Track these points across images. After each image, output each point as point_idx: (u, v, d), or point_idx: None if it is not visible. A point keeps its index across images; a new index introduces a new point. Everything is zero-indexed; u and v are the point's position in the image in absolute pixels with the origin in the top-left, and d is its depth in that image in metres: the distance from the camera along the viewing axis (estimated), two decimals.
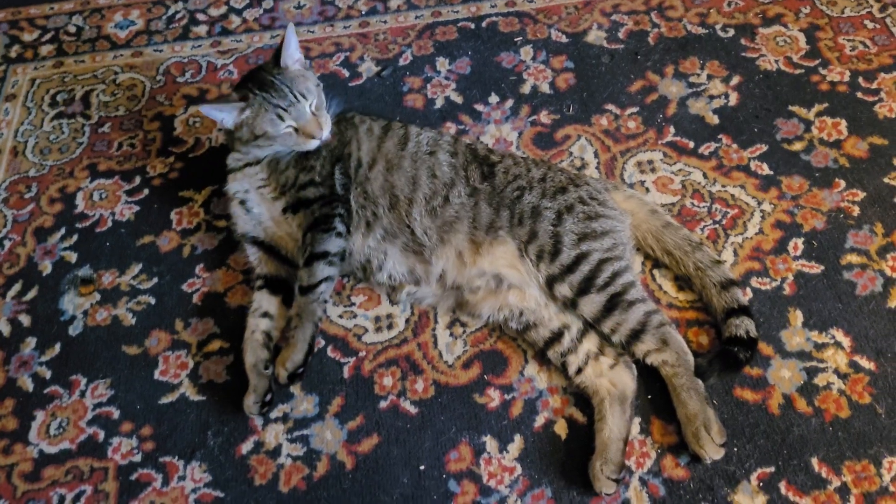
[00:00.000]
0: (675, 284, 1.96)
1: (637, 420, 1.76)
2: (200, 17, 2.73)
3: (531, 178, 1.95)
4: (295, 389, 1.86)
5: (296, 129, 1.87)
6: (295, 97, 1.86)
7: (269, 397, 1.81)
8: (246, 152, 1.97)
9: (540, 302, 1.85)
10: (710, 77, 2.37)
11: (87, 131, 2.40)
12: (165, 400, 1.87)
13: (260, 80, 1.90)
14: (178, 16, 2.73)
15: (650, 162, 2.19)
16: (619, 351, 1.81)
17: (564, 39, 2.51)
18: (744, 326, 1.80)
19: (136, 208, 2.21)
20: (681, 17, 2.56)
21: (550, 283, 1.84)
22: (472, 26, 2.58)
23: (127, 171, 2.30)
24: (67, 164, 2.32)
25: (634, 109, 2.32)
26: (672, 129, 2.26)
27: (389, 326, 1.96)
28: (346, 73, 2.49)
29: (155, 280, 2.07)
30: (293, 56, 1.95)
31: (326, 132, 1.90)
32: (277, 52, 1.93)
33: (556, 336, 1.83)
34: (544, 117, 2.32)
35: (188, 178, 2.27)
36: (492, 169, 1.96)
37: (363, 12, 2.67)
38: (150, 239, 2.15)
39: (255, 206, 1.98)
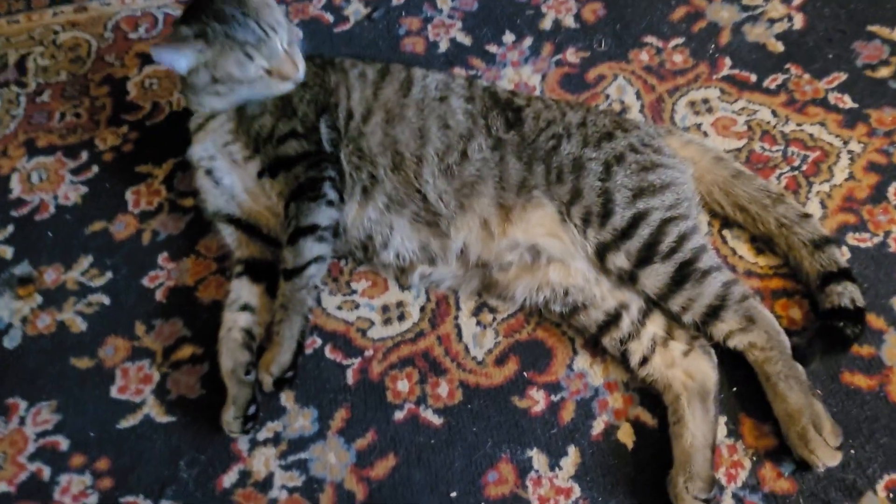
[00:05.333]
0: (751, 247, 1.77)
1: (722, 420, 1.57)
2: None
3: (568, 123, 1.75)
4: (287, 401, 1.69)
5: (267, 71, 1.70)
6: (264, 31, 1.68)
7: (252, 410, 1.64)
8: (200, 104, 1.78)
9: (589, 277, 1.66)
10: None
11: (22, 102, 2.20)
12: (125, 424, 1.70)
13: (216, 11, 1.69)
14: None
15: (705, 101, 1.98)
16: (694, 333, 1.63)
17: None
18: (847, 294, 1.59)
19: (84, 189, 2.03)
20: None
21: (602, 252, 1.64)
22: None
23: (71, 145, 2.10)
24: (0, 141, 2.12)
25: (680, 41, 2.10)
26: (728, 62, 2.05)
27: (401, 317, 1.78)
28: (331, 18, 2.26)
29: (109, 275, 1.89)
30: None
31: (301, 71, 1.74)
32: None
33: (613, 319, 1.65)
34: (571, 56, 2.11)
35: (146, 151, 2.08)
36: (518, 114, 1.76)
37: None
38: (102, 225, 1.97)
39: (225, 176, 1.79)
